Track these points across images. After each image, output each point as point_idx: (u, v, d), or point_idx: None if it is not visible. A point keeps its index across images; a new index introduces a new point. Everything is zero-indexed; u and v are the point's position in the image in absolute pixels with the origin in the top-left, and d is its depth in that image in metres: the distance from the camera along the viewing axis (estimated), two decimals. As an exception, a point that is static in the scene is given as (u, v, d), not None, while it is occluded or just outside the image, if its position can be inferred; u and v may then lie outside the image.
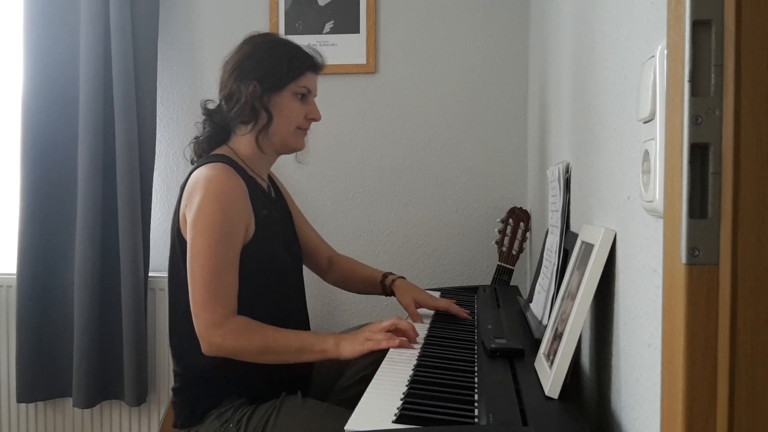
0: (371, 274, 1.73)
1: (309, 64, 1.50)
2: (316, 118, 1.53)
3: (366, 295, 2.31)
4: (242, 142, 1.49)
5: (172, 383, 1.52)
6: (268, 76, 1.45)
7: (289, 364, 1.40)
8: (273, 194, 1.60)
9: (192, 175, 1.43)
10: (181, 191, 1.45)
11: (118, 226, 2.24)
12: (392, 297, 1.68)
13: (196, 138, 1.54)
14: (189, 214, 1.37)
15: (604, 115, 1.04)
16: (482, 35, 2.32)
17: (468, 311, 1.59)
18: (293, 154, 1.60)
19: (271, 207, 1.53)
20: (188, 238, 1.37)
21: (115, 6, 2.22)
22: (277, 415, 1.35)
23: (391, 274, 1.70)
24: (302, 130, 1.52)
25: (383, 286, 1.69)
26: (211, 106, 1.52)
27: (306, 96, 1.50)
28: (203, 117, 1.53)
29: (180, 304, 1.42)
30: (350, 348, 1.32)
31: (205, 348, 1.34)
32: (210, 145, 1.52)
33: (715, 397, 0.56)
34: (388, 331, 1.33)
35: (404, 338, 1.31)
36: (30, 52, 2.27)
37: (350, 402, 1.07)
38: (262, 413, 1.35)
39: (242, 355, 1.35)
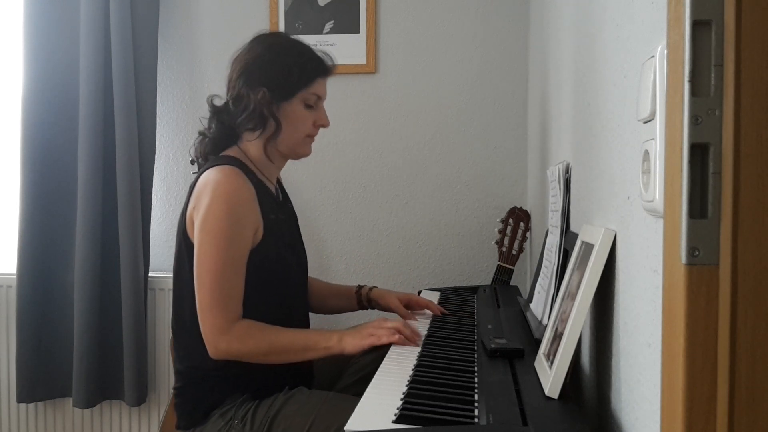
0: (345, 288, 1.73)
1: (319, 69, 1.47)
2: (325, 125, 1.50)
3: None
4: (252, 146, 1.46)
5: (172, 383, 1.52)
6: (278, 84, 1.41)
7: (291, 363, 1.40)
8: (281, 197, 1.58)
9: (201, 177, 1.40)
10: (189, 191, 1.43)
11: (118, 226, 2.24)
12: (374, 309, 1.68)
13: (202, 135, 1.51)
14: (196, 216, 1.36)
15: (604, 115, 1.04)
16: (482, 35, 2.32)
17: (445, 309, 1.61)
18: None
19: (279, 211, 1.51)
20: (195, 241, 1.36)
21: (115, 6, 2.22)
22: (286, 404, 1.34)
23: (364, 285, 1.70)
24: (311, 137, 1.50)
25: (359, 296, 1.68)
26: (218, 102, 1.48)
27: (315, 102, 1.48)
28: (209, 113, 1.49)
29: (185, 303, 1.41)
30: (353, 343, 1.33)
31: (212, 352, 1.34)
32: (216, 145, 1.49)
33: (715, 397, 0.56)
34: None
35: (404, 336, 1.32)
36: (30, 52, 2.27)
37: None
38: (268, 406, 1.35)
39: (248, 358, 1.35)
